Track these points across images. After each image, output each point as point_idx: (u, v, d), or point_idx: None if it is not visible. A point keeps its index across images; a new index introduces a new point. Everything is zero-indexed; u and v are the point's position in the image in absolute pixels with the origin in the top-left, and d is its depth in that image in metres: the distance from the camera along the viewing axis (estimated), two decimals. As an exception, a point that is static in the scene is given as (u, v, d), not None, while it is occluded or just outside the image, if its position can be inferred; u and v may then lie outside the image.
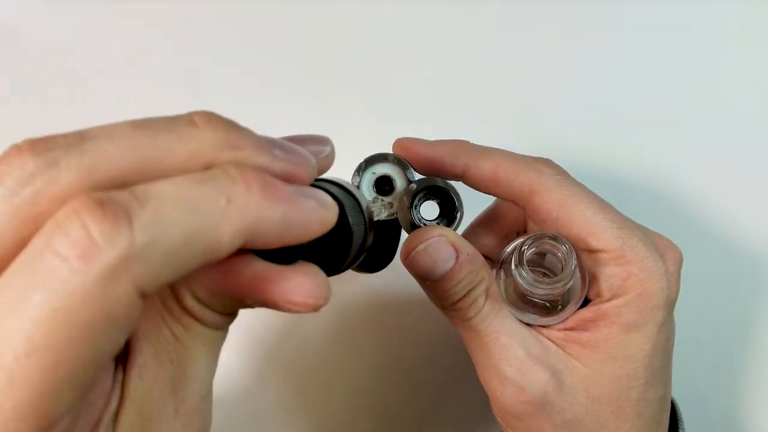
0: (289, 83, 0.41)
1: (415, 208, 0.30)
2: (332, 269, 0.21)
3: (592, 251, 0.27)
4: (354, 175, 0.31)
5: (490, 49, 0.42)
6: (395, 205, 0.31)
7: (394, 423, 0.39)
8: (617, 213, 0.28)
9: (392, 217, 0.31)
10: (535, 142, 0.41)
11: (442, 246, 0.27)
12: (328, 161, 0.22)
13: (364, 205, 0.23)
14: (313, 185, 0.20)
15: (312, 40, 0.42)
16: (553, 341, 0.28)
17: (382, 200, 0.31)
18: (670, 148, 0.41)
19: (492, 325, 0.27)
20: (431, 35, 0.42)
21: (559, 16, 0.42)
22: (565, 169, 0.29)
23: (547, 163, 0.29)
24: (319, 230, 0.18)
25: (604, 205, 0.28)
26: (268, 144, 0.19)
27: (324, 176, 0.23)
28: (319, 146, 0.21)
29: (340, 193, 0.22)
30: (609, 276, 0.27)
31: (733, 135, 0.42)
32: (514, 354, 0.27)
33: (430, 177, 0.30)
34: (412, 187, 0.29)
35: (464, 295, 0.27)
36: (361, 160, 0.32)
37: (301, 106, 0.41)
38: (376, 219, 0.30)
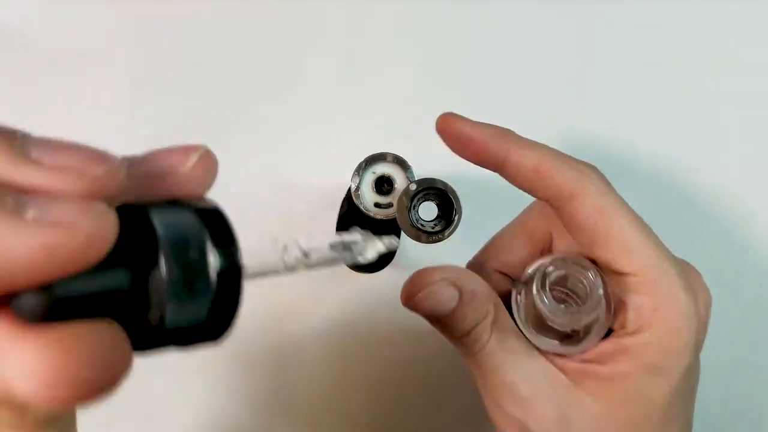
0: (290, 83, 0.41)
1: (414, 209, 0.30)
2: (138, 332, 0.14)
3: (622, 274, 0.25)
4: (354, 174, 0.31)
5: (489, 47, 0.42)
6: (394, 205, 0.31)
7: (395, 427, 0.39)
8: (656, 236, 0.26)
9: (391, 218, 0.31)
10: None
11: (444, 290, 0.26)
12: (193, 176, 0.16)
13: (223, 245, 0.16)
14: (130, 205, 0.15)
15: (313, 39, 0.42)
16: (566, 373, 0.26)
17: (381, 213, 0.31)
18: (670, 146, 0.41)
19: (497, 360, 0.26)
20: (431, 35, 0.42)
21: (562, 17, 0.42)
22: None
23: (592, 167, 0.27)
24: (45, 259, 0.12)
25: (643, 224, 0.26)
26: (19, 148, 0.14)
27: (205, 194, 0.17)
28: (175, 159, 0.16)
29: (170, 217, 0.15)
30: (637, 306, 0.25)
31: (737, 134, 0.42)
32: (518, 392, 0.25)
33: (430, 178, 0.30)
34: (411, 188, 0.29)
35: (468, 331, 0.26)
36: (361, 160, 0.32)
37: (301, 107, 0.41)
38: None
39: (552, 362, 0.26)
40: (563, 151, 0.28)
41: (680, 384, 0.25)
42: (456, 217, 0.30)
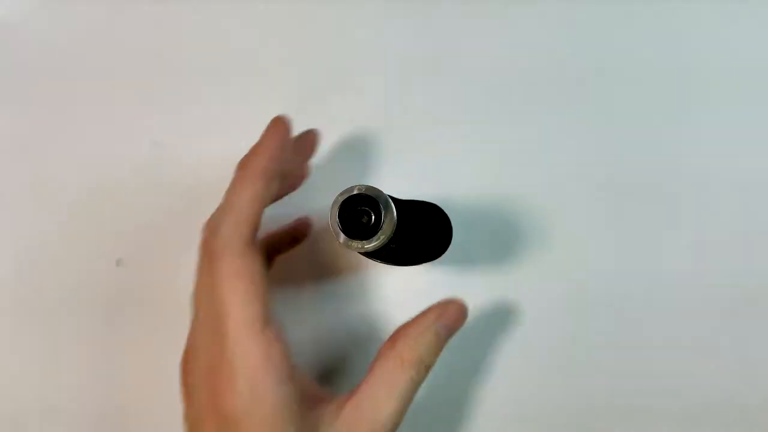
0: (291, 83, 0.41)
1: (345, 219, 0.28)
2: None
3: None
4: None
5: (484, 45, 0.40)
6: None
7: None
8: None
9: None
10: (533, 142, 0.39)
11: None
12: None
13: None
14: None
15: (312, 40, 0.42)
16: None
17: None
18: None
19: None
20: (427, 35, 0.41)
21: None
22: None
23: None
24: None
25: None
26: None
27: None
28: None
29: None
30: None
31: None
32: None
33: (360, 185, 0.28)
34: (338, 198, 0.28)
35: None
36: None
37: (299, 110, 0.39)
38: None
39: None
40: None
41: None
42: (385, 223, 0.27)
